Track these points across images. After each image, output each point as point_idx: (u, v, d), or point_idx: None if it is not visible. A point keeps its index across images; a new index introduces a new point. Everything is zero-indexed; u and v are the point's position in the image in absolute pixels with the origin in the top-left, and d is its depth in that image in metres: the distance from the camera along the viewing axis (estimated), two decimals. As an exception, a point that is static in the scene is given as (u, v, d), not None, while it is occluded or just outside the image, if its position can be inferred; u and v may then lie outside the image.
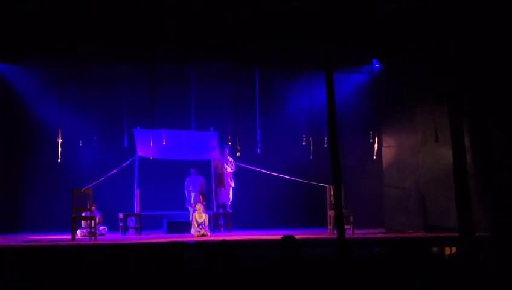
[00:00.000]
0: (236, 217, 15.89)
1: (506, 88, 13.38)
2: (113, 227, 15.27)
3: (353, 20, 13.58)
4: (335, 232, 11.90)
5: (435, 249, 11.74)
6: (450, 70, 11.17)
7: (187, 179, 16.06)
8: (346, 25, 13.35)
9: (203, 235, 14.14)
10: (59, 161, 14.54)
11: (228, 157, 15.98)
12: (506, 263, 8.09)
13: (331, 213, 14.32)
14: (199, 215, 14.47)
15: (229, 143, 15.51)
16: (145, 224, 15.24)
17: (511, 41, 13.18)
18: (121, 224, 14.93)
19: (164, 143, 15.17)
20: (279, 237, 8.40)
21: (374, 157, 15.46)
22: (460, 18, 12.10)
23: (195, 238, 13.65)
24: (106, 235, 14.73)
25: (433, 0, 12.15)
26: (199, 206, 14.62)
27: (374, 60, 15.55)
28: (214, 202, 15.83)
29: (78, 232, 14.11)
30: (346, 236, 10.46)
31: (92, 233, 13.60)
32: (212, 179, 15.97)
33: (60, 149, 14.45)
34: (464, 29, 12.41)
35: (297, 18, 13.38)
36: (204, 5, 12.99)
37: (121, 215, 14.96)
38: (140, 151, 15.28)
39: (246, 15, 13.34)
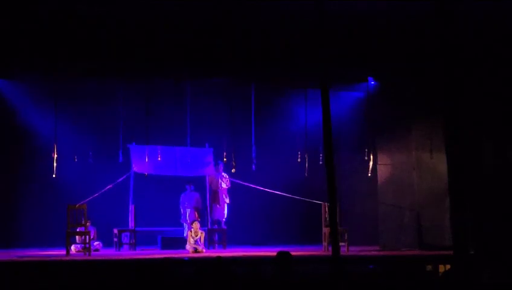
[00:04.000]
0: (231, 234, 15.91)
1: (500, 106, 13.49)
2: (107, 243, 15.27)
3: (349, 38, 13.66)
4: (329, 249, 11.93)
5: (429, 267, 11.76)
6: (445, 87, 11.25)
7: (182, 195, 16.06)
8: (343, 43, 13.45)
9: (198, 251, 14.16)
10: (54, 175, 14.57)
11: (223, 174, 16.00)
12: (495, 279, 8.14)
13: (325, 230, 14.34)
14: (195, 232, 14.49)
15: (225, 159, 15.52)
16: (140, 240, 15.25)
17: (505, 55, 13.32)
18: (115, 240, 14.94)
19: (159, 159, 15.24)
20: (274, 253, 8.43)
21: (369, 175, 15.51)
22: (455, 34, 12.21)
23: (190, 255, 13.67)
24: (100, 251, 14.73)
25: (428, 18, 12.25)
26: (196, 225, 14.63)
27: (370, 78, 15.62)
28: (209, 218, 15.81)
29: (73, 247, 14.15)
30: (341, 253, 10.47)
31: (86, 249, 13.58)
32: (207, 195, 15.98)
33: (55, 164, 14.46)
34: (459, 45, 12.52)
35: (293, 35, 13.46)
36: (200, 21, 13.07)
37: (115, 231, 14.97)
38: (136, 167, 15.33)
39: (242, 32, 13.42)
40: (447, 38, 11.69)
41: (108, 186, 14.98)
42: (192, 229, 14.58)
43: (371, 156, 15.45)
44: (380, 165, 15.68)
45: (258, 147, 15.68)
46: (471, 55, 13.21)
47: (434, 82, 12.93)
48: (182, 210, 16.03)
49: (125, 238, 15.05)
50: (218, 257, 8.46)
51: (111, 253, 14.43)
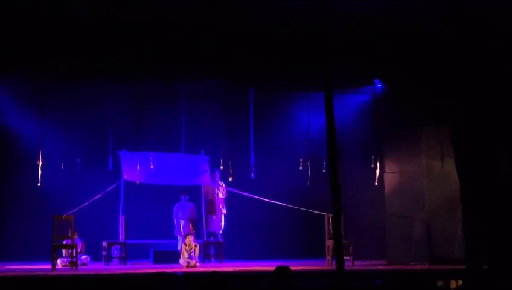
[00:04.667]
0: (228, 247, 15.91)
1: None
2: (96, 256, 15.26)
3: (354, 38, 13.65)
4: (333, 263, 11.94)
5: (440, 282, 11.76)
6: (455, 93, 11.25)
7: (176, 205, 16.05)
8: (347, 43, 13.43)
9: (192, 266, 14.15)
10: (39, 184, 14.57)
11: (219, 182, 16.01)
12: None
13: (329, 243, 14.36)
14: (189, 245, 14.50)
15: (221, 167, 15.51)
16: (131, 253, 15.21)
17: None
18: (104, 253, 14.92)
19: (152, 167, 15.23)
20: (274, 268, 8.43)
21: (376, 184, 15.51)
22: (471, 35, 12.21)
23: (184, 269, 13.66)
24: (88, 265, 14.68)
25: (440, 18, 12.26)
26: (189, 238, 14.64)
27: (376, 80, 15.60)
28: (205, 230, 15.79)
29: (59, 261, 14.09)
30: (346, 268, 10.49)
31: (73, 263, 13.56)
32: (202, 205, 15.95)
33: (40, 172, 14.47)
34: (474, 47, 12.51)
35: (295, 34, 13.45)
36: (196, 20, 13.05)
37: (104, 243, 14.96)
38: (126, 175, 15.30)
39: (240, 31, 13.41)
40: (459, 39, 11.71)
41: (97, 196, 14.93)
42: (185, 243, 14.59)
43: (378, 164, 15.45)
44: (387, 174, 15.69)
45: (257, 154, 15.69)
46: (484, 60, 13.17)
47: (445, 85, 12.93)
48: (175, 221, 16.00)
49: (115, 252, 15.05)
50: (214, 272, 8.46)
51: (100, 267, 14.40)
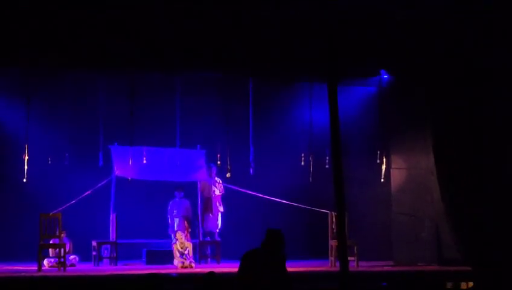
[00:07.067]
0: (225, 247, 15.85)
1: None
2: (85, 257, 15.25)
3: (359, 26, 13.61)
4: (337, 264, 11.94)
5: (449, 284, 11.76)
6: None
7: (170, 202, 16.05)
8: (351, 31, 13.39)
9: (187, 266, 14.13)
10: (25, 180, 14.46)
11: (216, 179, 15.98)
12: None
13: (332, 243, 14.36)
14: (181, 244, 14.47)
15: (218, 162, 15.46)
16: (122, 253, 15.24)
17: None
18: (94, 253, 14.94)
19: (145, 162, 15.21)
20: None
21: (382, 180, 15.54)
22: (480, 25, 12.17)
23: (179, 270, 13.65)
24: (77, 266, 14.67)
25: (450, 6, 12.24)
26: (180, 235, 14.64)
27: (382, 71, 15.58)
28: (201, 229, 15.80)
29: (45, 262, 14.09)
30: (350, 269, 10.50)
31: (61, 263, 13.55)
32: (198, 203, 15.94)
33: (26, 167, 14.37)
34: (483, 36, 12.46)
35: (296, 23, 13.41)
36: (192, 7, 12.99)
37: (94, 243, 14.96)
38: (118, 171, 15.31)
39: (237, 19, 13.35)
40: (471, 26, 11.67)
41: (86, 193, 14.95)
42: (177, 242, 14.56)
43: (384, 159, 15.45)
44: (394, 169, 15.73)
45: (256, 148, 15.63)
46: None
47: (452, 78, 12.89)
48: (169, 220, 15.99)
49: (106, 252, 15.04)
50: (211, 272, 8.43)
51: (89, 268, 14.40)
